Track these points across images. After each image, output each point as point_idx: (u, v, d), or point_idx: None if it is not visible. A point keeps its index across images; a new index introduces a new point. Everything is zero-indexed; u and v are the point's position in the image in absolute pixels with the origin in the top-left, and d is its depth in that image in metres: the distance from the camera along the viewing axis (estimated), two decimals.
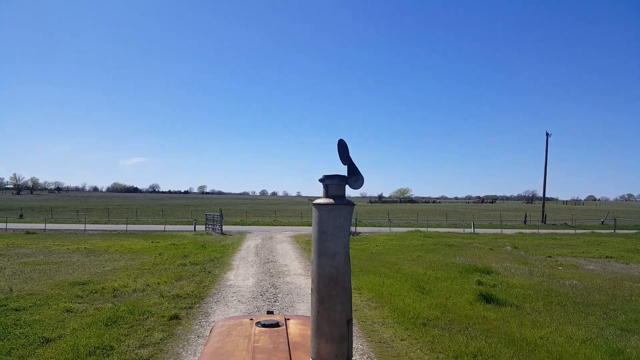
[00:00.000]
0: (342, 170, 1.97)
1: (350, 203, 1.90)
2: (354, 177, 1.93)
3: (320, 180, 1.95)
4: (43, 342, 6.52)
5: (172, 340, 6.93)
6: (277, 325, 2.49)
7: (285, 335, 2.34)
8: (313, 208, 1.93)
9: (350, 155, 1.98)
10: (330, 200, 1.89)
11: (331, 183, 1.92)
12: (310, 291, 10.70)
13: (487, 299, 9.45)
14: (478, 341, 6.90)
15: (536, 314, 8.60)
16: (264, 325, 2.47)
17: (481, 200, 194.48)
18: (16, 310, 8.30)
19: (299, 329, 2.46)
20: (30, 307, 8.55)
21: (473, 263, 14.85)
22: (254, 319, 2.66)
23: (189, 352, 6.39)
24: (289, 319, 2.63)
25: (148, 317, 8.04)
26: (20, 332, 6.92)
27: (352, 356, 1.88)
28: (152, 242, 21.93)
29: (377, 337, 7.24)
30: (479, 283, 11.15)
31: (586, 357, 6.18)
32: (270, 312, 2.91)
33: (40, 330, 7.08)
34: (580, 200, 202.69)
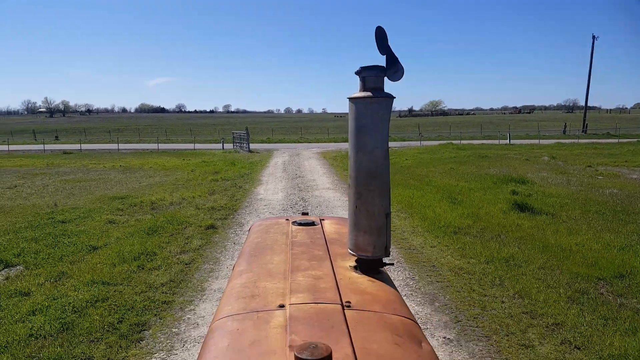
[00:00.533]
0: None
1: (389, 95, 1.76)
2: (393, 67, 1.76)
3: (357, 73, 1.81)
4: (90, 250, 6.89)
5: (211, 246, 7.22)
6: (312, 224, 2.53)
7: (322, 232, 2.38)
8: (349, 103, 1.82)
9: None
10: (368, 94, 1.76)
11: (369, 75, 1.78)
12: (338, 203, 10.85)
13: (522, 208, 9.31)
14: (511, 247, 6.88)
15: (572, 222, 8.45)
16: (300, 224, 2.52)
17: (518, 110, 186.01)
18: (62, 222, 8.75)
19: (334, 228, 2.51)
20: (75, 219, 8.99)
21: (508, 174, 14.54)
22: (289, 219, 2.70)
23: (227, 256, 6.66)
24: (323, 220, 2.67)
25: (186, 227, 8.36)
26: (68, 241, 7.32)
27: (390, 247, 1.88)
28: (184, 159, 22.44)
29: (406, 245, 7.33)
30: (514, 193, 10.95)
31: (624, 262, 6.08)
32: (305, 214, 2.95)
33: (87, 239, 7.47)
34: (626, 108, 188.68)
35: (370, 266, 1.88)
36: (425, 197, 10.97)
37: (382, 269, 1.92)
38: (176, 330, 4.41)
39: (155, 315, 4.71)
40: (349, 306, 1.50)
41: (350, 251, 1.91)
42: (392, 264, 2.01)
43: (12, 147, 33.11)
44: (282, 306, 1.49)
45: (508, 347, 4.08)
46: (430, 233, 7.89)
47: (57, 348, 3.91)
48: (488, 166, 17.29)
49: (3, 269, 6.09)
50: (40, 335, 4.15)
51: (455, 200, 10.47)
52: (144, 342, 4.17)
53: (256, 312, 1.48)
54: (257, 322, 1.40)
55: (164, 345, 4.11)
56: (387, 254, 1.89)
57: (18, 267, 6.15)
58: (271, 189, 13.14)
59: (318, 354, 1.07)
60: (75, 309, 4.71)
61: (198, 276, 5.88)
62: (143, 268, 6.08)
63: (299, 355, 1.07)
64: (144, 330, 4.39)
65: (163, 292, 5.29)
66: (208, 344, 1.36)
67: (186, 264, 6.30)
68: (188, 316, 4.71)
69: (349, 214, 1.90)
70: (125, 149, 31.48)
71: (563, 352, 3.97)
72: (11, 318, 4.51)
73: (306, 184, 13.99)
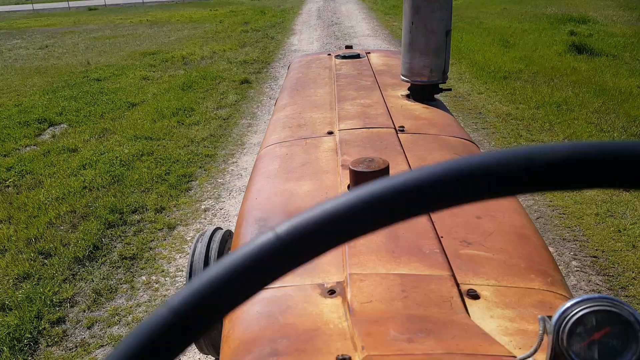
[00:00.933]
0: None
1: None
2: None
3: None
4: (129, 106, 6.94)
5: (246, 102, 7.11)
6: (358, 56, 2.30)
7: (369, 64, 2.19)
8: None
9: None
10: None
11: None
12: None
13: (580, 49, 8.43)
14: (564, 92, 6.40)
15: (636, 63, 7.63)
16: (344, 57, 2.31)
17: None
18: (98, 80, 8.73)
19: (382, 60, 2.28)
20: (109, 77, 8.94)
21: (567, 12, 12.94)
22: (332, 53, 2.45)
23: (264, 112, 6.57)
24: (369, 52, 2.42)
25: (220, 82, 8.18)
26: (106, 99, 7.37)
27: (448, 70, 1.71)
28: (210, 10, 21.24)
29: (451, 93, 6.93)
30: (572, 33, 9.84)
31: None
32: (349, 47, 2.64)
33: (124, 96, 7.48)
34: None
35: (425, 94, 1.71)
36: (475, 40, 10.08)
37: (437, 96, 1.75)
38: (221, 180, 4.55)
39: (200, 167, 4.84)
40: (402, 130, 1.41)
41: (402, 77, 1.74)
42: (450, 89, 1.81)
43: (37, 6, 32.09)
44: (330, 132, 1.43)
45: None
46: (479, 79, 7.40)
47: (111, 198, 4.15)
48: (545, 5, 15.39)
49: (48, 127, 6.28)
50: (94, 187, 4.38)
51: (507, 43, 9.59)
52: (192, 191, 4.35)
53: (304, 138, 1.43)
54: (306, 147, 1.36)
55: (211, 193, 4.29)
56: (445, 79, 1.71)
57: (62, 125, 6.33)
58: (305, 39, 12.40)
59: (375, 166, 0.99)
60: (122, 162, 4.89)
61: (237, 131, 5.88)
62: (182, 123, 6.12)
63: (355, 169, 1.00)
64: (191, 180, 4.56)
65: (205, 146, 5.37)
66: (258, 167, 1.33)
67: (224, 119, 6.29)
68: (231, 168, 4.82)
69: (404, 33, 1.68)
70: (150, 2, 29.98)
71: (610, 194, 3.86)
72: (64, 172, 4.75)
73: (343, 32, 13.07)
